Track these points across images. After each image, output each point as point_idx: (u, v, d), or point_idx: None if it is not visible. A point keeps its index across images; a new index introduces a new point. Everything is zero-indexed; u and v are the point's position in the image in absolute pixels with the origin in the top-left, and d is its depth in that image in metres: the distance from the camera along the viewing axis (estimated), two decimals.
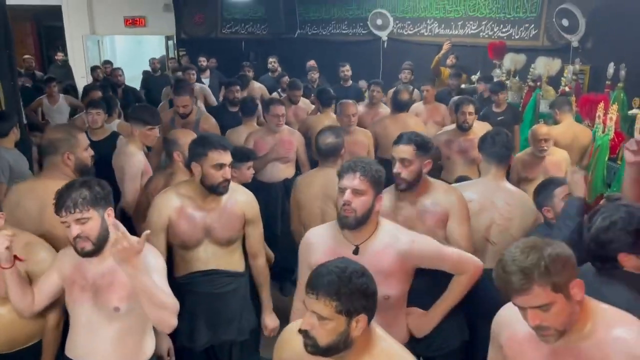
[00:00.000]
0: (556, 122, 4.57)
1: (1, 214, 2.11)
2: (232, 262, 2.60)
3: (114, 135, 4.19)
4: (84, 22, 10.07)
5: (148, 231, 1.92)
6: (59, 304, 2.25)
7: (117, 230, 1.82)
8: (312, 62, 7.58)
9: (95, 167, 2.86)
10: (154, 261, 2.02)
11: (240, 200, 2.57)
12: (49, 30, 11.94)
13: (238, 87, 5.26)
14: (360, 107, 5.37)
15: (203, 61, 7.64)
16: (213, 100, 6.36)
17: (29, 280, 2.17)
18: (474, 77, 6.76)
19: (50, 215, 2.33)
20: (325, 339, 1.48)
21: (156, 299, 1.88)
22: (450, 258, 2.15)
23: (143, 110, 3.58)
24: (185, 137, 3.04)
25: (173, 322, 1.96)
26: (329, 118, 4.75)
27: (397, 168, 2.40)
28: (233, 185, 2.58)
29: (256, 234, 2.66)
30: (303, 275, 2.07)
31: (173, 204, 2.47)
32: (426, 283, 2.20)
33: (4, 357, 2.24)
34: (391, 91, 5.52)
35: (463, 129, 4.08)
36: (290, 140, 4.22)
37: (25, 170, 3.60)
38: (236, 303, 2.61)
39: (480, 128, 4.36)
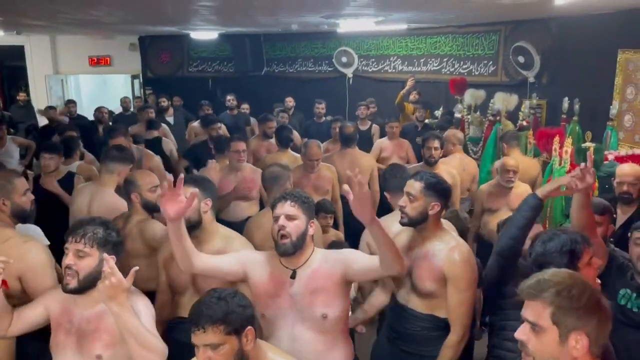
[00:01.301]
0: (504, 156, 4.70)
1: None
2: None
3: (70, 176, 4.09)
4: (47, 62, 9.98)
5: (136, 267, 1.90)
6: None
7: (107, 266, 1.80)
8: (289, 99, 7.67)
9: (42, 209, 2.77)
10: (143, 306, 1.99)
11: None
12: (10, 70, 11.77)
13: (220, 124, 5.27)
14: (324, 144, 5.44)
15: (164, 101, 7.60)
16: (172, 139, 6.26)
17: None
18: (437, 112, 6.91)
19: None
20: None
21: (142, 339, 1.84)
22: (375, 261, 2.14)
23: (125, 150, 3.61)
24: (144, 178, 3.00)
25: None
26: (287, 156, 4.76)
27: (402, 201, 2.39)
28: (229, 234, 2.51)
29: (247, 293, 2.52)
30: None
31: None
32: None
33: None
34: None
35: (429, 163, 4.15)
36: (252, 178, 4.19)
37: None
38: None
39: (447, 162, 4.46)
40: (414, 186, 2.36)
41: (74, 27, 7.69)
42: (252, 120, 7.80)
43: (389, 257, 1.99)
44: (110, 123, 6.95)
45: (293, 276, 2.15)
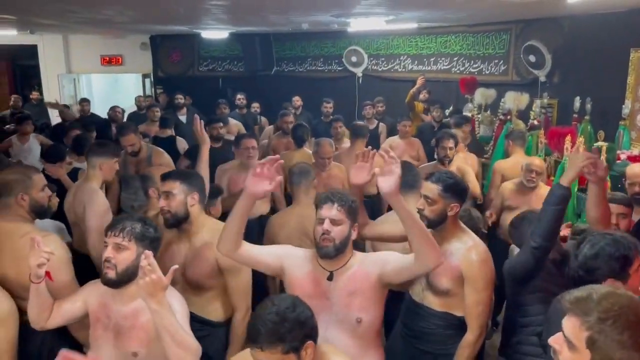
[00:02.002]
0: (507, 154, 4.69)
1: None
2: (209, 310, 2.51)
3: (74, 171, 4.15)
4: (60, 61, 10.08)
5: (176, 266, 1.91)
6: (12, 351, 2.20)
7: (146, 262, 1.81)
8: (296, 99, 7.67)
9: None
10: (177, 305, 1.98)
11: (207, 240, 2.44)
12: (24, 69, 11.90)
13: (221, 124, 5.29)
14: None
15: (180, 98, 7.65)
16: None
17: None
18: (447, 112, 6.90)
19: (8, 259, 2.30)
20: None
21: (179, 338, 1.84)
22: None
23: (107, 144, 3.56)
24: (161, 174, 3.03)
25: None
26: (302, 155, 4.78)
27: (420, 204, 2.37)
28: (217, 226, 2.48)
29: (233, 285, 2.50)
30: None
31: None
32: None
33: None
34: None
35: (443, 162, 4.17)
36: None
37: None
38: (212, 352, 2.50)
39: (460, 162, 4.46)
40: (432, 189, 2.34)
41: (86, 27, 7.77)
42: (263, 119, 7.86)
43: (418, 240, 1.95)
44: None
45: (330, 278, 2.13)
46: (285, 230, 3.08)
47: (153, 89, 10.54)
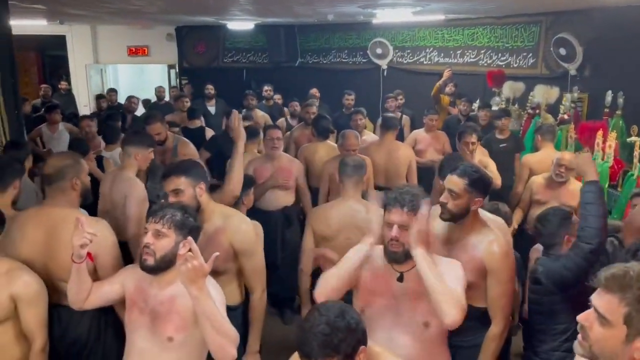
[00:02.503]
0: (536, 149, 4.61)
1: None
2: (224, 293, 2.54)
3: (99, 160, 4.21)
4: (88, 52, 10.23)
5: (217, 253, 1.92)
6: (45, 329, 2.28)
7: (184, 249, 1.81)
8: (314, 91, 7.65)
9: None
10: (215, 292, 1.98)
11: (229, 228, 2.48)
12: (52, 59, 12.11)
13: (242, 115, 5.31)
14: None
15: (211, 89, 7.71)
16: None
17: (14, 304, 2.20)
18: (474, 105, 6.81)
19: (55, 244, 2.36)
20: None
21: (218, 324, 1.86)
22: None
23: (143, 134, 3.62)
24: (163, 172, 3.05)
25: (233, 352, 1.91)
26: (325, 147, 4.77)
27: (443, 197, 2.34)
28: (227, 212, 2.54)
29: (249, 267, 2.54)
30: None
31: None
32: None
33: None
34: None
35: (465, 157, 4.10)
36: (289, 168, 4.23)
37: (32, 199, 3.60)
38: None
39: (481, 154, 4.41)
40: (457, 183, 2.30)
41: (115, 17, 7.86)
42: (285, 110, 7.87)
43: (434, 298, 1.90)
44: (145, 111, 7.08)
45: (400, 279, 2.06)
46: (335, 221, 3.05)
47: (178, 80, 10.64)
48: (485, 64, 7.27)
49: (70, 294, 2.12)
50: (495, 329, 2.32)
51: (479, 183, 2.31)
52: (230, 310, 2.46)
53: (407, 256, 2.01)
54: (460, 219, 2.33)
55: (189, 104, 6.65)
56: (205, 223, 2.46)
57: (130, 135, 3.58)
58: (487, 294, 2.33)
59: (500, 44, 7.08)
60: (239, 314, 2.61)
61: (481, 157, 4.31)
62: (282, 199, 4.21)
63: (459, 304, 1.91)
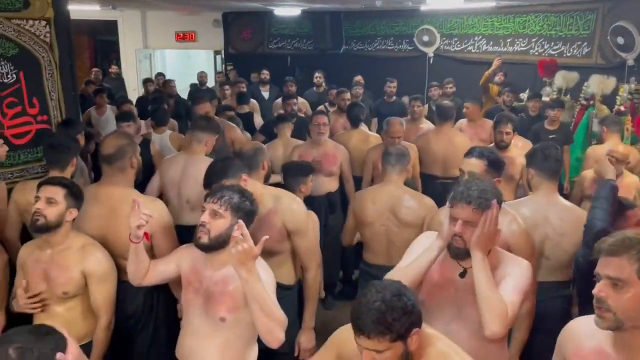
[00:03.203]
0: (601, 141, 4.43)
1: None
2: (278, 273, 2.51)
3: (145, 143, 4.30)
4: (138, 37, 10.48)
5: (266, 237, 1.96)
6: (112, 306, 2.36)
7: (238, 232, 1.85)
8: (358, 78, 7.61)
9: None
10: (265, 275, 2.01)
11: (280, 209, 2.53)
12: (104, 44, 12.46)
13: (295, 101, 5.33)
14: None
15: (266, 74, 7.80)
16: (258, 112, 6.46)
17: (85, 281, 2.29)
18: (523, 95, 6.63)
19: (114, 222, 2.45)
20: None
21: (267, 308, 1.89)
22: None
23: (212, 120, 3.73)
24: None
25: (281, 335, 1.93)
26: (359, 135, 4.74)
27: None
28: (277, 193, 2.58)
29: (302, 246, 2.60)
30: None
31: None
32: None
33: None
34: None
35: (500, 147, 4.00)
36: (334, 154, 4.23)
37: (86, 177, 3.74)
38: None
39: (520, 145, 4.28)
40: (477, 165, 2.35)
41: (165, 3, 8.00)
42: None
43: (481, 306, 1.81)
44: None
45: (463, 275, 1.98)
46: (375, 206, 3.07)
47: (223, 66, 10.77)
48: (537, 53, 7.04)
49: (129, 271, 2.20)
50: (529, 304, 2.33)
51: (496, 164, 2.37)
52: (285, 289, 2.51)
53: (469, 253, 1.92)
54: None
55: (229, 92, 6.74)
56: (259, 206, 2.49)
57: (201, 121, 3.66)
58: None
59: (553, 32, 6.84)
60: (295, 293, 2.66)
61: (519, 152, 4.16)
62: (326, 185, 4.22)
63: (504, 318, 1.81)
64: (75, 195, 2.29)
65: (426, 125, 5.26)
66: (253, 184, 2.53)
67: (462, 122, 5.53)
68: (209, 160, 3.38)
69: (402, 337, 1.50)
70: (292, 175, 3.29)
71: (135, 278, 2.21)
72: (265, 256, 2.49)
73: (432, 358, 1.59)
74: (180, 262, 2.19)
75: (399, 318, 1.48)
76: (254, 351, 2.18)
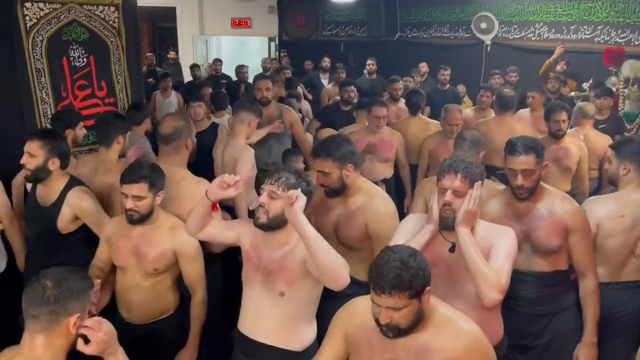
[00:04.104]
0: None
1: None
2: (356, 269, 2.40)
3: (214, 127, 4.41)
4: (195, 23, 10.69)
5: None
6: (204, 282, 2.48)
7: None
8: (422, 65, 7.61)
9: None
10: None
11: (367, 210, 2.46)
12: (162, 30, 12.79)
13: (353, 87, 5.32)
14: (468, 111, 5.28)
15: (327, 62, 7.86)
16: (309, 98, 6.51)
17: (175, 258, 2.42)
18: (585, 85, 6.37)
19: (168, 200, 2.53)
20: (406, 322, 1.65)
21: (327, 249, 1.91)
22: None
23: (254, 101, 3.79)
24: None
25: (347, 277, 1.94)
26: (418, 122, 4.71)
27: (520, 180, 2.32)
28: (372, 191, 2.53)
29: (377, 250, 2.45)
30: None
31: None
32: None
33: (142, 327, 2.46)
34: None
35: (556, 137, 3.89)
36: (390, 140, 4.22)
37: (153, 159, 3.89)
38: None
39: (573, 136, 4.12)
40: (529, 161, 2.32)
41: None
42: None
43: (477, 280, 1.95)
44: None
45: (452, 250, 2.07)
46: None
47: (277, 52, 10.86)
48: (602, 41, 6.74)
49: (189, 221, 2.23)
50: (593, 282, 2.39)
51: (541, 151, 2.37)
52: (359, 285, 2.38)
53: None
54: (534, 191, 2.36)
55: (290, 75, 6.80)
56: (349, 198, 2.52)
57: (245, 102, 3.71)
58: (572, 254, 2.39)
59: (621, 20, 6.54)
60: (367, 292, 2.59)
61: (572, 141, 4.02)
62: (380, 171, 4.22)
63: (499, 286, 1.94)
64: (158, 181, 2.38)
65: (490, 114, 5.17)
66: (356, 176, 2.52)
67: (523, 111, 5.37)
68: (244, 145, 3.44)
69: (418, 294, 1.63)
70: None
71: (192, 229, 2.23)
72: (345, 250, 2.46)
73: (439, 320, 1.71)
74: (241, 234, 2.25)
75: (416, 275, 1.61)
76: (312, 328, 2.23)
